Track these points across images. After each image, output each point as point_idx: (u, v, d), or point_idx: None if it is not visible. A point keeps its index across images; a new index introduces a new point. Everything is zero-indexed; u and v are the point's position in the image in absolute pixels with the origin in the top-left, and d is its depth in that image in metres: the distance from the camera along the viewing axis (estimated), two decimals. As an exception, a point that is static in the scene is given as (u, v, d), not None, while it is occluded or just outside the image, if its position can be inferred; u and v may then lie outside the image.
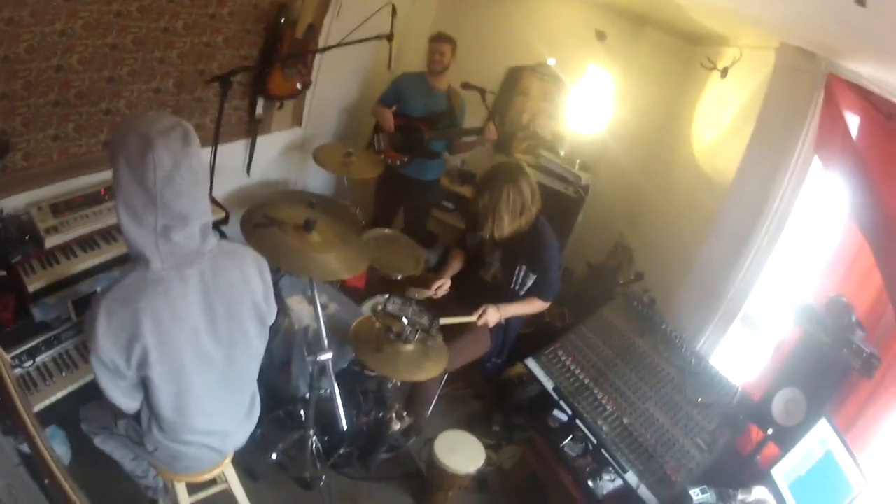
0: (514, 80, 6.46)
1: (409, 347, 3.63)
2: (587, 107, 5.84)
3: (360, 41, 4.47)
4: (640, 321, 4.47)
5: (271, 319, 2.69)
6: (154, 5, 4.06)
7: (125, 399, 2.43)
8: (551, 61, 6.13)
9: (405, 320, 3.63)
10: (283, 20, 4.85)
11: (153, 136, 2.00)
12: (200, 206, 2.22)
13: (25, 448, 2.87)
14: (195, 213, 2.19)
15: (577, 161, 6.18)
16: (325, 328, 3.36)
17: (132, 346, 2.18)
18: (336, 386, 3.36)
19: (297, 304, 4.24)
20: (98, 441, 2.99)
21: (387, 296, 3.85)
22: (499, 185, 4.06)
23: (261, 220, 3.24)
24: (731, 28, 4.56)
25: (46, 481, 2.66)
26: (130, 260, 2.24)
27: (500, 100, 6.36)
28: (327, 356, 3.30)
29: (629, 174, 5.88)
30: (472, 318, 4.11)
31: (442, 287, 4.37)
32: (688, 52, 5.45)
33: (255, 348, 2.67)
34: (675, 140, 5.39)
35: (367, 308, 4.32)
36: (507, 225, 4.11)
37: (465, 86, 5.33)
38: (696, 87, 5.16)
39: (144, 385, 2.39)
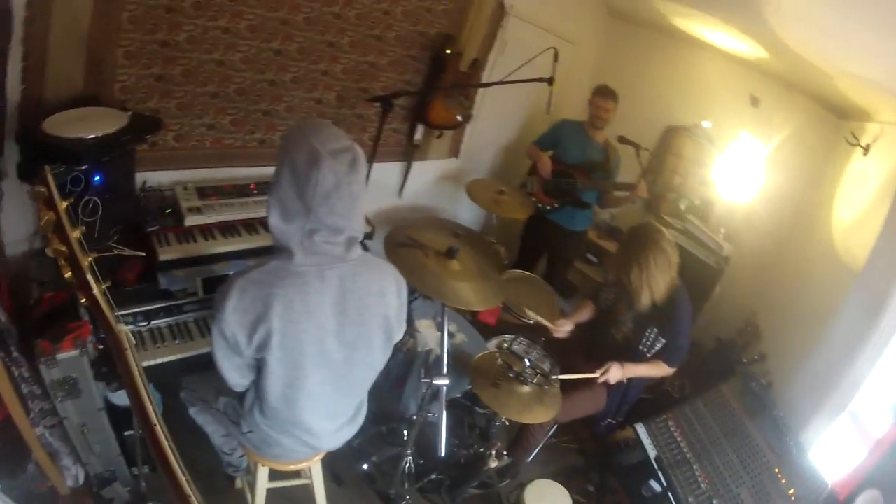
0: (670, 139, 6.22)
1: (525, 389, 3.53)
2: (737, 174, 5.52)
3: (521, 81, 4.28)
4: (754, 402, 4.25)
5: (398, 337, 2.66)
6: (321, 19, 4.16)
7: (236, 375, 2.45)
8: (706, 124, 5.88)
9: (527, 361, 3.55)
10: (448, 51, 4.86)
11: (322, 155, 2.04)
12: (352, 224, 2.23)
13: (115, 399, 3.10)
14: (345, 229, 2.21)
15: (722, 230, 5.84)
16: (448, 355, 3.27)
17: (257, 326, 2.20)
18: (444, 412, 3.25)
19: (425, 328, 4.21)
20: (193, 411, 3.03)
21: (514, 336, 3.78)
22: (645, 251, 3.83)
23: (404, 240, 3.26)
24: (874, 102, 4.28)
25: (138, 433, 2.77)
26: (274, 251, 2.28)
27: (654, 158, 6.11)
28: (443, 382, 3.19)
29: (768, 249, 5.52)
30: (594, 376, 3.86)
31: (564, 327, 4.16)
32: (833, 124, 5.07)
33: (375, 359, 2.63)
34: (814, 217, 5.03)
35: (492, 344, 4.21)
36: (656, 294, 3.86)
37: (622, 140, 5.18)
38: (839, 162, 4.82)
39: (259, 367, 2.41)
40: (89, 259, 1.54)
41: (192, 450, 3.46)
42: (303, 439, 2.68)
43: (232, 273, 2.29)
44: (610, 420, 4.35)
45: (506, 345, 3.68)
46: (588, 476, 4.65)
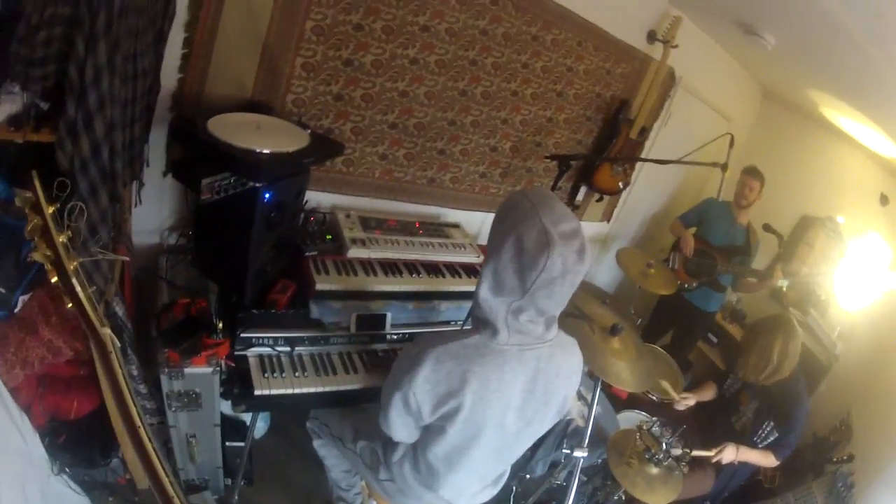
0: (804, 228, 5.08)
1: (654, 470, 2.94)
2: (859, 276, 4.48)
3: (697, 164, 3.21)
4: (837, 502, 3.55)
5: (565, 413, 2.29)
6: (508, 65, 3.35)
7: (405, 434, 1.96)
8: (841, 219, 4.78)
9: (664, 444, 2.97)
10: (621, 116, 3.96)
11: (556, 240, 1.56)
12: (560, 308, 1.75)
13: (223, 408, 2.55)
14: (553, 312, 1.73)
15: (838, 329, 4.68)
16: (591, 430, 2.79)
17: (447, 400, 1.75)
18: (577, 481, 2.73)
19: (568, 397, 3.53)
20: (318, 444, 2.60)
21: (654, 418, 3.31)
22: (767, 335, 3.26)
23: (573, 311, 2.77)
24: None
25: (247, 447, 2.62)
26: (473, 322, 1.83)
27: (787, 244, 4.93)
28: (583, 454, 2.69)
29: (877, 352, 4.37)
30: (710, 454, 3.20)
31: (686, 400, 3.52)
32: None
33: (541, 432, 2.08)
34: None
35: (623, 417, 3.63)
36: (761, 375, 3.26)
37: (767, 228, 4.24)
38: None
39: (430, 430, 1.94)
40: (74, 263, 1.26)
41: (295, 471, 3.18)
42: (445, 498, 2.14)
43: (417, 337, 1.83)
44: (708, 504, 3.74)
45: (646, 427, 3.07)
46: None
